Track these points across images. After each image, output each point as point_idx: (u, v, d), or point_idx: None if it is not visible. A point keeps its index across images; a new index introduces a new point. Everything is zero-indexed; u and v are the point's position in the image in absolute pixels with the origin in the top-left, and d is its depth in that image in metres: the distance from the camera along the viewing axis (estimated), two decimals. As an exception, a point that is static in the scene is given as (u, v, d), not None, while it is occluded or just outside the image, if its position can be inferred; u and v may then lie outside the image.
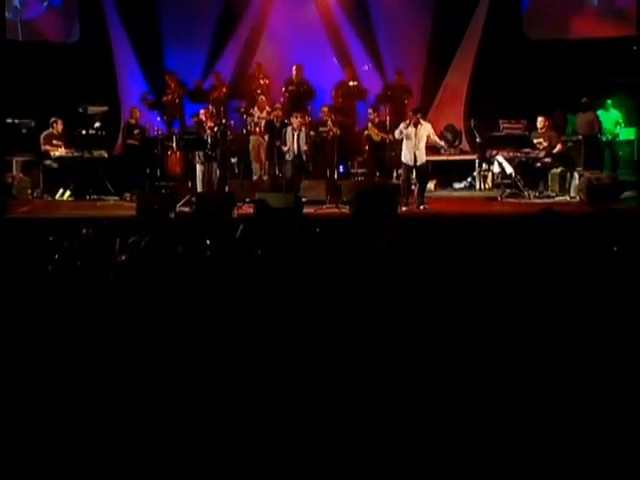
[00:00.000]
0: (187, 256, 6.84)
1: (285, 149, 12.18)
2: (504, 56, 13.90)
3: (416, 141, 11.74)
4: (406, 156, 11.90)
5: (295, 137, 12.05)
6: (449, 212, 11.45)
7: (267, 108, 13.52)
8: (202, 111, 12.56)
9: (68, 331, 4.26)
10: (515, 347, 4.03)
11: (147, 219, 10.80)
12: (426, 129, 11.85)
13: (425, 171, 12.02)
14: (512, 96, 13.54)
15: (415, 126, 11.81)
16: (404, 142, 11.87)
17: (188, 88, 14.36)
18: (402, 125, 11.94)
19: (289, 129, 12.12)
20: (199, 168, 12.27)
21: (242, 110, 13.69)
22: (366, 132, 12.84)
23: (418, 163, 11.82)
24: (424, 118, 12.47)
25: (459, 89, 14.65)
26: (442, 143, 12.52)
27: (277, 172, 12.55)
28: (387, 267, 6.67)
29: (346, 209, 11.43)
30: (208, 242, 8.51)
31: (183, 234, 9.44)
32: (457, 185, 13.86)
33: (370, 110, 13.08)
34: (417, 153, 11.78)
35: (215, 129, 12.25)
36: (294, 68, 14.34)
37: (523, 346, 4.04)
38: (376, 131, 12.72)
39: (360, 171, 13.33)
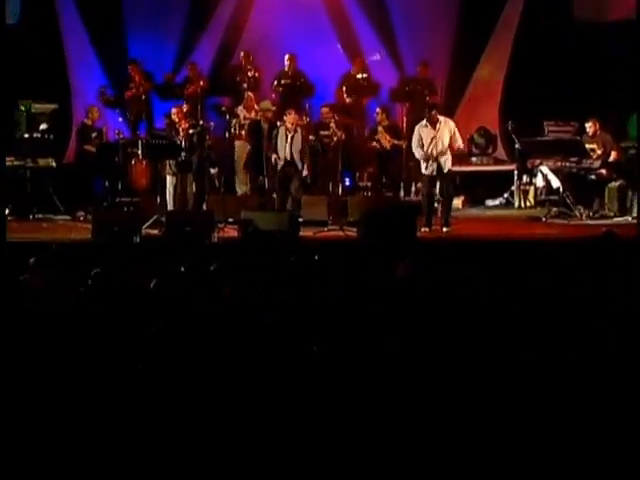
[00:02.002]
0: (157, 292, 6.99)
1: (274, 157, 12.17)
2: (548, 44, 14.07)
3: (436, 144, 11.83)
4: (426, 164, 12.00)
5: (288, 140, 12.13)
6: (481, 236, 11.53)
7: (255, 107, 13.66)
8: (174, 110, 12.69)
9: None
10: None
11: (106, 243, 10.89)
12: (447, 128, 11.92)
13: (451, 183, 12.11)
14: (559, 92, 13.69)
15: (433, 125, 11.90)
16: (422, 147, 11.95)
17: (156, 81, 14.51)
18: (416, 133, 11.99)
19: (281, 130, 12.20)
20: (170, 180, 12.38)
21: (224, 109, 13.82)
22: (375, 137, 12.92)
23: (440, 172, 11.91)
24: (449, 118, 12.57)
25: (493, 84, 14.80)
26: (461, 145, 12.44)
27: (266, 186, 12.64)
28: (403, 304, 6.80)
29: (353, 232, 11.53)
30: (182, 269, 8.63)
31: (151, 262, 9.59)
32: (491, 202, 13.97)
33: (378, 110, 13.16)
34: (439, 159, 11.87)
35: (190, 132, 12.36)
36: (287, 57, 14.49)
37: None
38: (388, 137, 12.79)
39: (370, 184, 13.44)
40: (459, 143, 12.05)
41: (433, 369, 4.94)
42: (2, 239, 10.62)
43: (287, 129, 12.11)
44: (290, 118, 12.11)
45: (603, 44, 13.81)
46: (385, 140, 12.82)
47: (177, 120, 12.44)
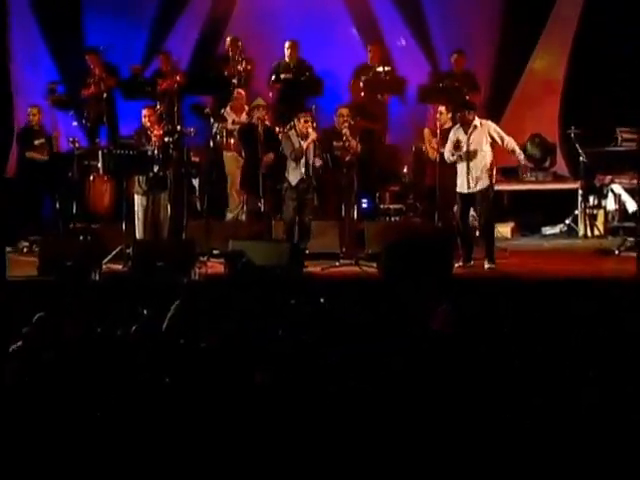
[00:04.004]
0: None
1: (266, 159, 12.14)
2: (620, 29, 14.10)
3: (470, 153, 11.80)
4: (459, 179, 11.93)
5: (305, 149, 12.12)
6: (535, 274, 11.48)
7: (246, 108, 13.65)
8: (145, 111, 12.66)
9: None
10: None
11: (55, 282, 10.87)
12: (485, 132, 11.86)
13: (490, 203, 12.07)
14: (635, 91, 13.69)
15: (465, 130, 11.92)
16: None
17: (121, 76, 14.57)
18: (451, 134, 11.96)
19: (292, 135, 12.19)
20: (139, 201, 12.31)
21: (208, 111, 13.83)
22: (418, 146, 12.80)
23: (478, 187, 11.88)
24: (493, 120, 12.55)
25: (551, 80, 14.85)
26: (520, 153, 12.39)
27: (263, 208, 12.63)
28: (437, 357, 6.80)
29: (372, 267, 11.54)
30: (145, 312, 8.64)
31: (115, 305, 9.57)
32: (549, 230, 13.95)
33: (442, 110, 12.73)
34: (473, 172, 11.82)
35: (165, 140, 12.36)
36: (287, 45, 14.53)
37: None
38: (433, 141, 12.58)
39: (395, 207, 13.43)
40: (506, 140, 11.96)
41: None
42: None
43: (300, 136, 12.11)
44: (304, 125, 12.10)
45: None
46: (431, 148, 12.61)
47: (149, 125, 12.40)
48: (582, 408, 5.98)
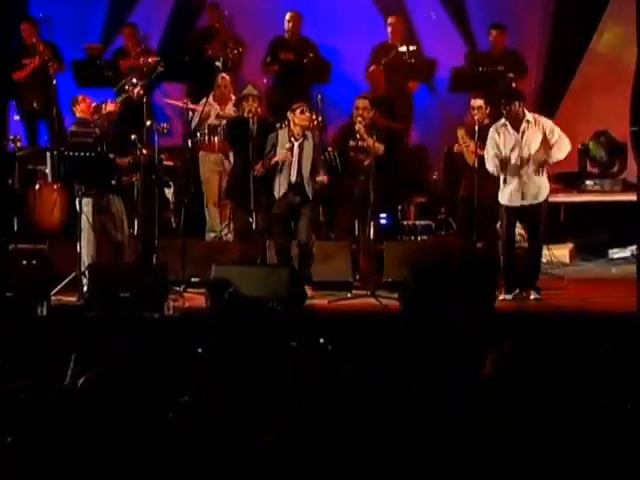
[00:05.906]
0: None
1: (258, 168, 12.10)
2: None
3: (520, 155, 11.88)
4: (506, 189, 11.99)
5: (295, 152, 12.23)
6: (601, 309, 11.50)
7: (233, 97, 13.66)
8: (80, 99, 12.53)
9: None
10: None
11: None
12: (540, 130, 11.89)
13: (546, 219, 12.14)
14: None
15: (516, 127, 11.95)
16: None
17: (72, 56, 14.69)
18: (490, 136, 11.95)
19: (282, 134, 12.23)
20: (86, 215, 12.01)
21: (185, 102, 13.85)
22: (456, 148, 12.81)
23: (533, 200, 11.98)
24: (545, 114, 12.55)
25: (621, 63, 14.87)
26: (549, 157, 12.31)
27: (255, 225, 12.70)
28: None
29: (393, 299, 11.62)
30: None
31: (64, 346, 9.61)
32: (616, 253, 13.97)
33: (480, 104, 12.50)
34: (528, 180, 11.90)
35: (132, 138, 12.37)
36: (287, 18, 14.67)
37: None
38: (471, 144, 12.52)
39: (422, 223, 13.52)
40: (561, 149, 11.99)
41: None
42: None
43: (292, 134, 12.18)
44: (299, 117, 12.15)
45: None
46: (468, 150, 12.57)
47: (85, 116, 12.26)
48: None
